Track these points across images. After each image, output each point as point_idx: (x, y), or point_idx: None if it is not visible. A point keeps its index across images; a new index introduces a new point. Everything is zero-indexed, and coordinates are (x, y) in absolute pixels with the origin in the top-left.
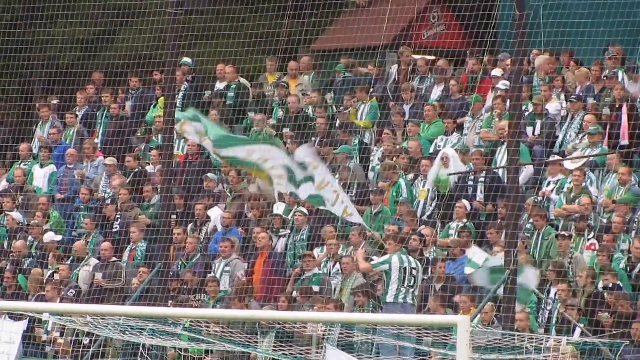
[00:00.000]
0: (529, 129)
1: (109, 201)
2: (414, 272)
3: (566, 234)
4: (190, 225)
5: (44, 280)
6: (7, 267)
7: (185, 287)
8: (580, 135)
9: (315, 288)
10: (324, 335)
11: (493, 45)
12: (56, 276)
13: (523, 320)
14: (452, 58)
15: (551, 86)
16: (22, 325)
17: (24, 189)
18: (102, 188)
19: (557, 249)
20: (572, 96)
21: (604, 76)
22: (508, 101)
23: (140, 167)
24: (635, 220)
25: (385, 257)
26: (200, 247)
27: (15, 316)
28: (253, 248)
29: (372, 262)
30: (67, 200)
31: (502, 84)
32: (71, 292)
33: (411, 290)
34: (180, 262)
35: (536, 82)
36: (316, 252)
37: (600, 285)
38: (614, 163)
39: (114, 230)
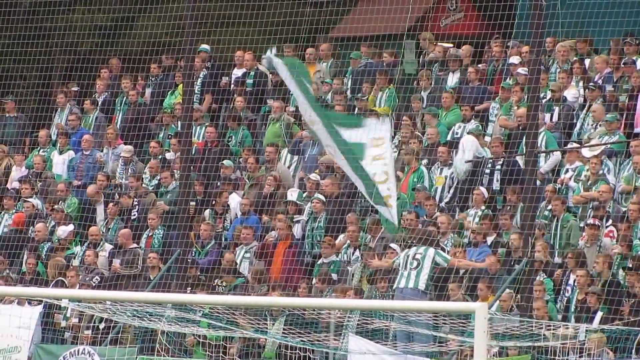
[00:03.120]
0: (547, 116)
1: (123, 190)
2: (417, 256)
3: (596, 223)
4: (207, 212)
5: (65, 266)
6: (25, 253)
7: (206, 274)
8: (597, 123)
9: (334, 276)
10: (342, 322)
11: (511, 34)
12: (74, 262)
13: (541, 308)
14: (471, 46)
15: (570, 74)
16: (38, 310)
17: (43, 175)
18: (120, 176)
19: (579, 236)
20: (591, 84)
21: (622, 63)
22: (526, 89)
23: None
24: None
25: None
26: (217, 235)
27: (32, 302)
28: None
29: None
30: (84, 187)
31: (522, 71)
32: (96, 280)
33: (416, 273)
34: (196, 250)
35: (554, 69)
36: (340, 238)
37: (620, 273)
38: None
39: (132, 217)
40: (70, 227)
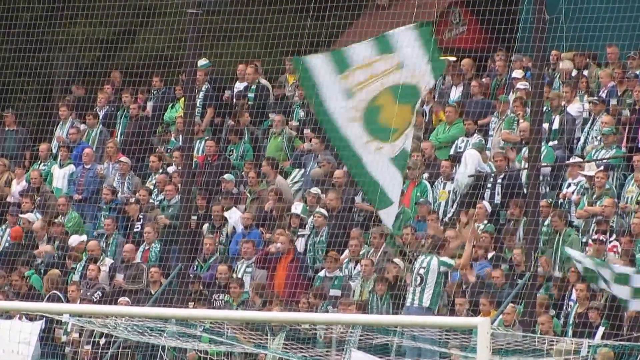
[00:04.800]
0: (546, 126)
1: (132, 200)
2: (421, 271)
3: (601, 238)
4: (206, 226)
5: (67, 281)
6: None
7: (207, 287)
8: (599, 137)
9: (337, 292)
10: (343, 337)
11: (514, 47)
12: (74, 277)
13: (545, 323)
14: (474, 60)
15: (574, 88)
16: (38, 325)
17: (41, 190)
18: (117, 187)
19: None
20: (594, 98)
21: (626, 77)
22: (529, 102)
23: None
24: None
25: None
26: (222, 249)
27: (31, 317)
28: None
29: None
30: (85, 201)
31: (522, 85)
32: (98, 295)
33: (420, 290)
34: (197, 264)
35: (557, 83)
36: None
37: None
38: None
39: (135, 230)
40: (84, 237)
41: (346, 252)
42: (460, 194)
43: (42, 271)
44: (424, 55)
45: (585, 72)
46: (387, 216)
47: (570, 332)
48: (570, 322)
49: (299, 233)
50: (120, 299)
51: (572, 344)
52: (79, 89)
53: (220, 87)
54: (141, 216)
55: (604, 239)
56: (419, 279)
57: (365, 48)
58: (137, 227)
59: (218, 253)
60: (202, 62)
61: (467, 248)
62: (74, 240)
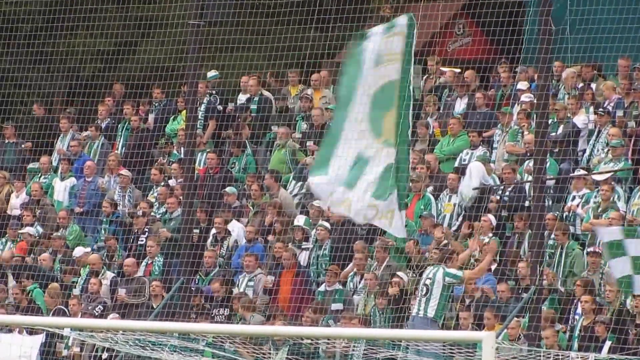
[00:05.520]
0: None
1: (140, 213)
2: (427, 282)
3: (598, 251)
4: (209, 240)
5: (68, 295)
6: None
7: (208, 301)
8: (606, 150)
9: (339, 305)
10: (346, 351)
11: (519, 59)
12: (75, 291)
13: (550, 337)
14: (477, 71)
15: (580, 99)
16: (39, 339)
17: (41, 202)
18: (117, 200)
19: (585, 265)
20: (600, 109)
21: (632, 89)
22: (533, 114)
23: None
24: None
25: None
26: (223, 262)
27: (31, 330)
28: (275, 262)
29: None
30: (86, 214)
31: (526, 97)
32: (99, 309)
33: (425, 300)
34: (199, 277)
35: (562, 95)
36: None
37: (628, 301)
38: None
39: (139, 243)
40: (88, 249)
41: (350, 265)
42: (465, 206)
43: (43, 285)
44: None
45: (593, 85)
46: (397, 229)
47: (575, 346)
48: (576, 335)
49: (302, 246)
50: (111, 315)
51: (578, 357)
52: (39, 109)
53: (222, 98)
54: (146, 229)
55: (600, 251)
56: (424, 289)
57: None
58: (142, 240)
59: (219, 266)
60: (211, 73)
61: (484, 262)
62: (78, 251)
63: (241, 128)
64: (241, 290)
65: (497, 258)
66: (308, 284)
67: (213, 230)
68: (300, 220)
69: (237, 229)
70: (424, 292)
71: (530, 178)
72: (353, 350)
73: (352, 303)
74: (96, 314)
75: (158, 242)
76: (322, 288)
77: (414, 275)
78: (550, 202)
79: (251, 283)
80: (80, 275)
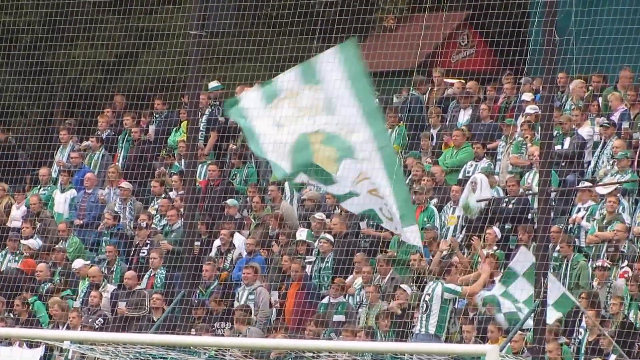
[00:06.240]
0: (557, 147)
1: (144, 225)
2: (426, 297)
3: (607, 265)
4: (214, 252)
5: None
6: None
7: (208, 315)
8: (612, 161)
9: (341, 317)
10: None
11: (524, 69)
12: (76, 303)
13: (554, 351)
14: (481, 83)
15: (585, 111)
16: (38, 353)
17: (41, 215)
18: (118, 212)
19: (591, 278)
20: (605, 121)
21: (638, 100)
22: (538, 126)
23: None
24: None
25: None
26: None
27: (31, 343)
28: (279, 275)
29: None
30: (86, 226)
31: (531, 109)
32: (99, 322)
33: (426, 317)
34: (199, 291)
35: (568, 106)
36: (349, 279)
37: (632, 314)
38: None
39: (141, 255)
40: (88, 261)
41: (350, 277)
42: (472, 219)
43: (44, 297)
44: (347, 78)
45: (600, 99)
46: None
47: None
48: (582, 350)
49: (306, 260)
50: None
51: None
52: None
53: (224, 110)
54: (148, 242)
55: (608, 265)
56: (424, 305)
57: (290, 77)
58: (144, 252)
59: (218, 280)
60: (212, 84)
61: (483, 276)
62: (78, 263)
63: (243, 139)
64: (241, 303)
65: (502, 270)
66: (313, 297)
67: (217, 242)
68: (302, 234)
69: (239, 241)
70: (424, 309)
71: (535, 190)
72: None
73: (354, 316)
74: (96, 326)
75: (161, 255)
76: (325, 300)
77: (418, 289)
78: (555, 214)
79: (252, 296)
80: (80, 287)
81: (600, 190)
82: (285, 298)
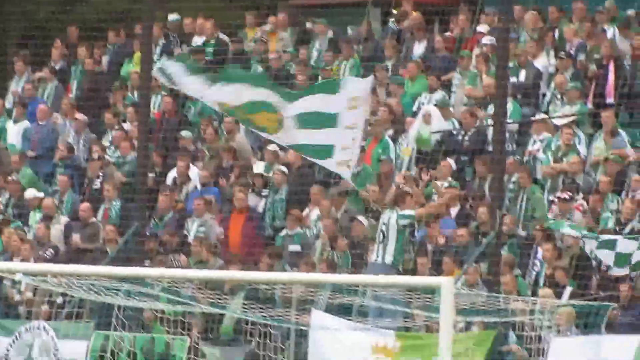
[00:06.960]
0: (513, 79)
1: (96, 157)
2: (383, 227)
3: (567, 197)
4: (169, 183)
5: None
6: None
7: (162, 248)
8: (559, 94)
9: (296, 247)
10: (303, 296)
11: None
12: (28, 235)
13: (509, 282)
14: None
15: (540, 42)
16: None
17: None
18: (72, 144)
19: (547, 209)
20: (562, 53)
21: (594, 32)
22: (493, 58)
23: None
24: (626, 179)
25: None
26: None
27: None
28: (229, 207)
29: None
30: (40, 158)
31: (488, 40)
32: (50, 252)
33: (382, 247)
34: (153, 222)
35: (523, 38)
36: (306, 212)
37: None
38: (610, 122)
39: (94, 187)
40: (41, 194)
41: (307, 210)
42: (428, 151)
43: None
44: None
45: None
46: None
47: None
48: (542, 283)
49: (263, 194)
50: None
51: (537, 303)
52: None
53: (178, 41)
54: (101, 174)
55: (569, 197)
56: (381, 235)
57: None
58: (97, 185)
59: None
60: (172, 16)
61: (438, 201)
62: (30, 194)
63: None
64: (191, 235)
65: (458, 203)
66: (262, 229)
67: (173, 174)
68: (260, 167)
69: (194, 174)
70: (381, 239)
71: (490, 122)
72: (310, 296)
73: (309, 248)
74: (47, 257)
75: (114, 186)
76: (283, 233)
77: (373, 220)
78: (512, 147)
79: (202, 228)
80: (32, 219)
81: (557, 121)
82: (228, 229)
